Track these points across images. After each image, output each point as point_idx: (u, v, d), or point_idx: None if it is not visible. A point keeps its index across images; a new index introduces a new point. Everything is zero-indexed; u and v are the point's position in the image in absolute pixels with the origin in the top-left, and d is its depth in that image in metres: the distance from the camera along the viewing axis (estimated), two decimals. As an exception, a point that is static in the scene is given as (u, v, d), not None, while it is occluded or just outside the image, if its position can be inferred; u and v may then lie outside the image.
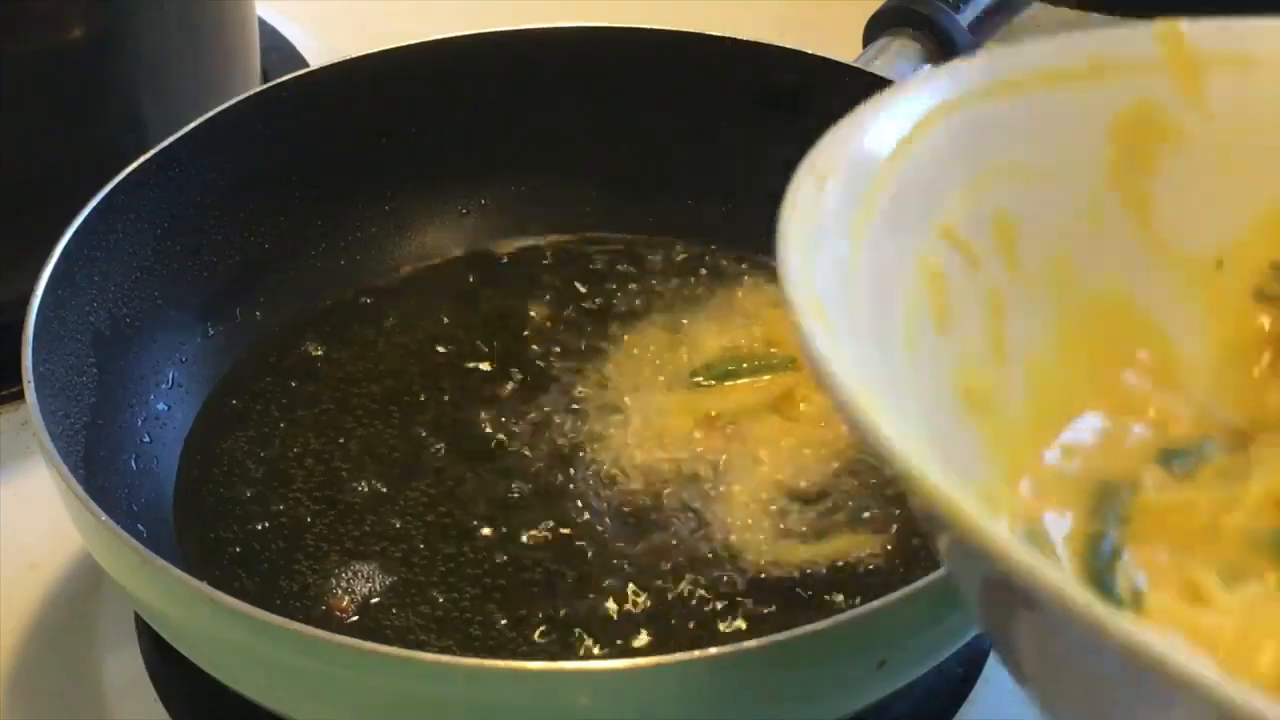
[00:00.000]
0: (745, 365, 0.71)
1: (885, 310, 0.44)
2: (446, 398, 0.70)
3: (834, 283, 0.42)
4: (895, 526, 0.65)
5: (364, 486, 0.67)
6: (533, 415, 0.69)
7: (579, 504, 0.66)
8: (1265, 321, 0.52)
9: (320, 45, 0.97)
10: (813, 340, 0.39)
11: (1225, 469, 0.49)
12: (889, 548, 0.64)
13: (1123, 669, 0.34)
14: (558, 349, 0.72)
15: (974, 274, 0.48)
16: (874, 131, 0.46)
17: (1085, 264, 0.50)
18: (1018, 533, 0.46)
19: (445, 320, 0.74)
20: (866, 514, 0.65)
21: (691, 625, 0.61)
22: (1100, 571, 0.45)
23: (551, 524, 0.65)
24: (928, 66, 0.78)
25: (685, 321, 0.74)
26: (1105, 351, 0.50)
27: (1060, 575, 0.34)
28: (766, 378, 0.71)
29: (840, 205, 0.44)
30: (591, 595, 0.62)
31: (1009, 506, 0.46)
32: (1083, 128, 0.50)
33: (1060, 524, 0.47)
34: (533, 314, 0.74)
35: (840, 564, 0.63)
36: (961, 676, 0.65)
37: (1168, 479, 0.48)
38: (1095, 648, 0.34)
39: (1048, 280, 0.50)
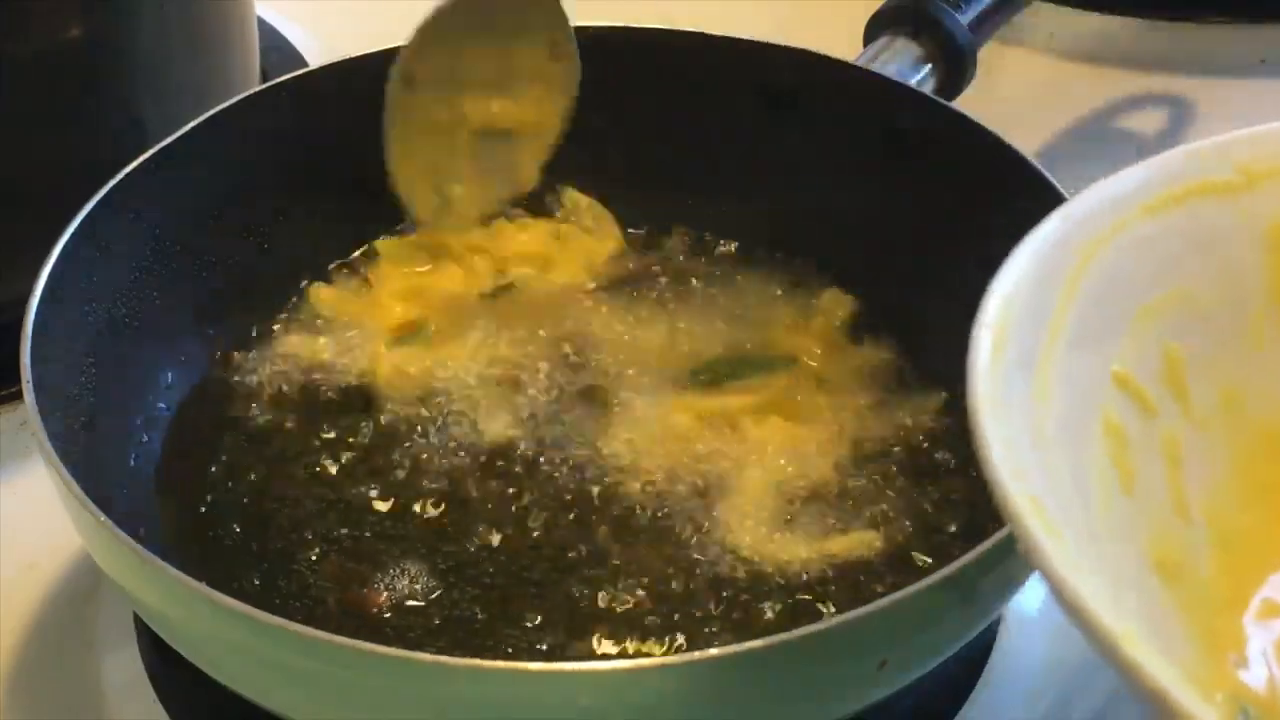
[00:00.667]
0: (746, 365, 0.71)
1: (1079, 477, 0.43)
2: (450, 395, 0.70)
3: (1033, 457, 0.41)
4: (895, 525, 0.65)
5: (365, 486, 0.67)
6: (533, 413, 0.69)
7: (579, 504, 0.66)
8: None
9: (320, 45, 0.97)
10: (1045, 553, 0.39)
11: None
12: (889, 546, 0.64)
13: None
14: (559, 347, 0.72)
15: (1151, 423, 0.46)
16: (1035, 281, 0.45)
17: (1256, 393, 0.48)
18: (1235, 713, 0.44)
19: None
20: (866, 513, 0.65)
21: (692, 625, 0.61)
22: None
23: (551, 523, 0.65)
24: (928, 65, 0.78)
25: (685, 320, 0.74)
26: None
27: None
28: (767, 377, 0.70)
29: (1019, 370, 0.43)
30: (590, 595, 0.62)
31: (1219, 683, 0.44)
32: (1238, 240, 0.48)
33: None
34: (532, 310, 0.74)
35: (840, 563, 0.63)
36: (962, 677, 0.65)
37: None
38: None
39: (1221, 417, 0.48)
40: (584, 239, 0.77)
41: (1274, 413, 0.48)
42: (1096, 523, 0.43)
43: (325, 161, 0.76)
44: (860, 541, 0.64)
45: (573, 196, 0.78)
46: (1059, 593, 0.38)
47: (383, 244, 0.76)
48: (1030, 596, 0.67)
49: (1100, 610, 0.37)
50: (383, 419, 0.69)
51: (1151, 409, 0.47)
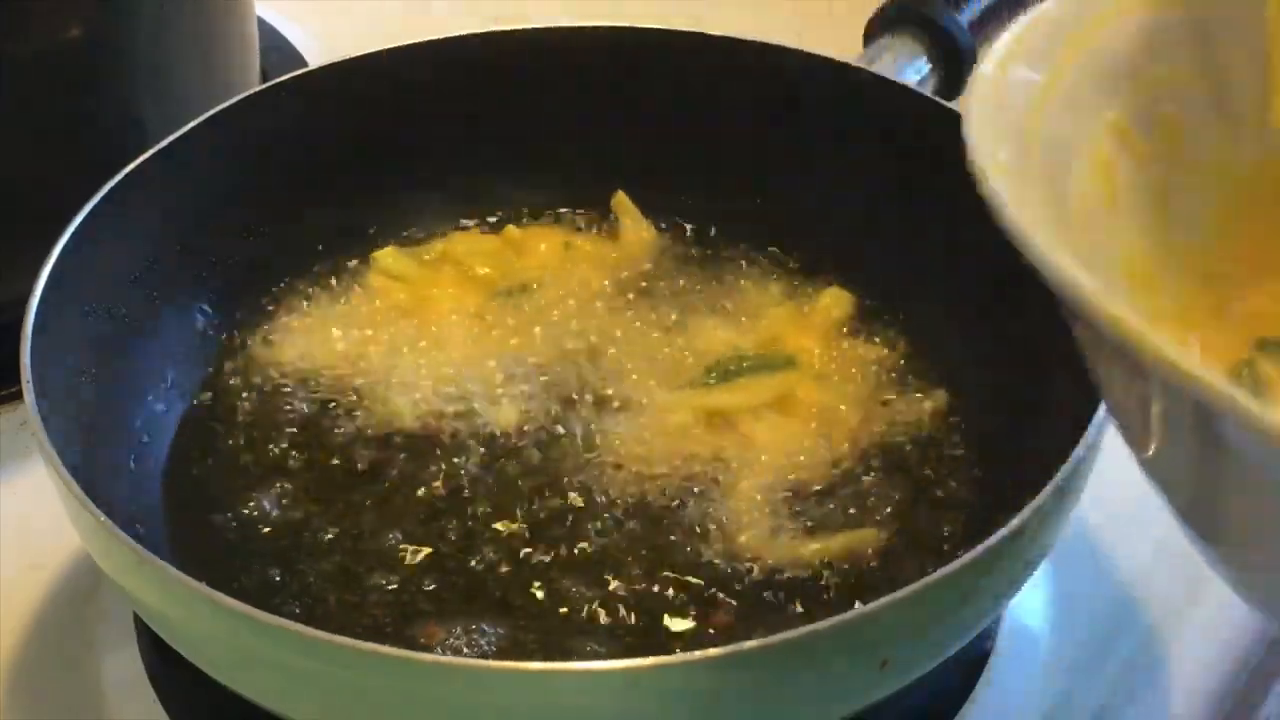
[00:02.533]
0: (749, 364, 0.71)
1: (1060, 184, 0.45)
2: (452, 394, 0.70)
3: (1014, 153, 0.44)
4: (895, 524, 0.65)
5: (365, 485, 0.67)
6: (536, 411, 0.69)
7: (582, 501, 0.66)
8: None
9: (320, 45, 0.97)
10: (999, 193, 0.41)
11: None
12: (889, 546, 0.64)
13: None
14: (560, 346, 0.72)
15: (1141, 167, 0.49)
16: (1053, 25, 0.48)
17: (1247, 164, 0.51)
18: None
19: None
20: (866, 512, 0.65)
21: (693, 624, 0.61)
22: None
23: (551, 519, 0.65)
24: (927, 66, 0.78)
25: (689, 320, 0.74)
26: (1264, 238, 0.51)
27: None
28: (770, 376, 0.70)
29: (1021, 88, 0.46)
30: (593, 592, 0.62)
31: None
32: (1246, 30, 0.51)
33: None
34: (534, 312, 0.74)
35: (840, 562, 0.63)
36: (962, 677, 0.65)
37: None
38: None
39: (1211, 172, 0.50)
40: (594, 246, 0.77)
41: (1267, 172, 0.51)
42: (1071, 217, 0.45)
43: (325, 161, 0.76)
44: (860, 540, 0.64)
45: (621, 200, 0.78)
46: (1008, 224, 0.41)
47: (382, 254, 0.76)
48: (1030, 596, 0.68)
49: (1055, 246, 0.40)
50: (383, 418, 0.69)
51: (1142, 159, 0.49)
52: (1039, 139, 0.45)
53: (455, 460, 0.68)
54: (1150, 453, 0.43)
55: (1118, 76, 0.49)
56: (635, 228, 0.77)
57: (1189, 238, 0.50)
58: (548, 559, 0.64)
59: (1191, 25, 0.50)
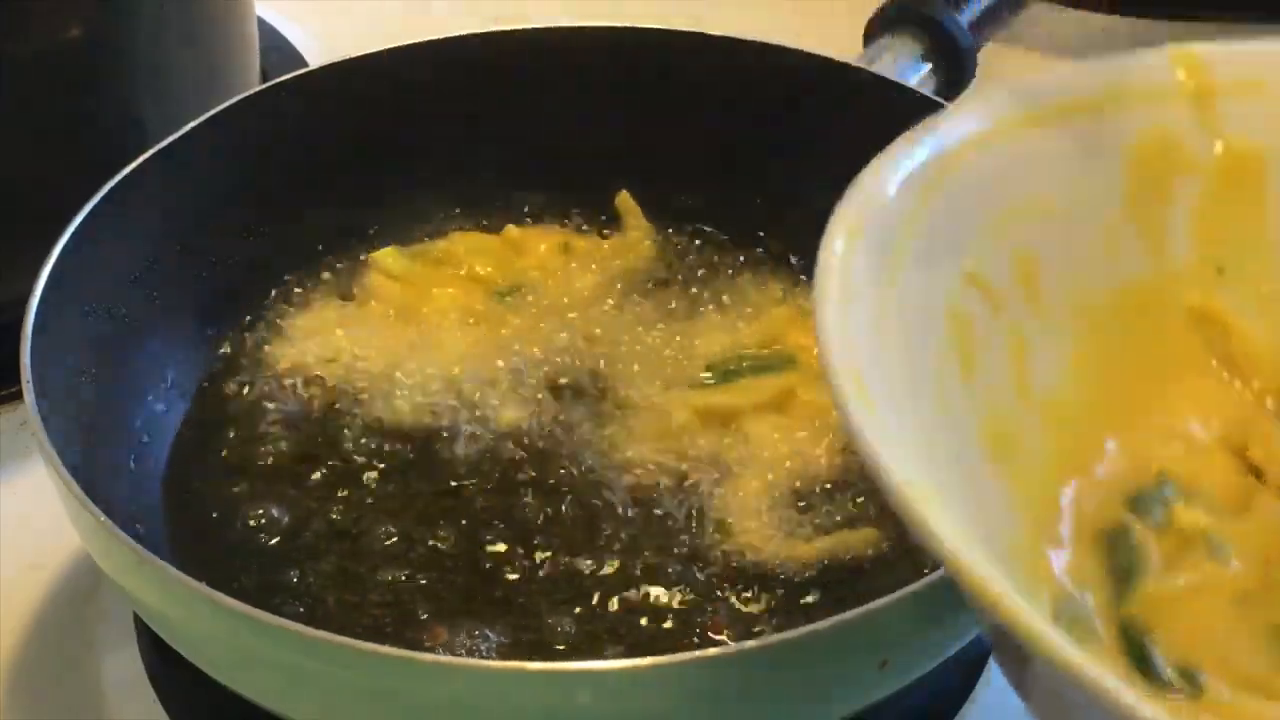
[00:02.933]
0: (748, 364, 0.71)
1: (917, 362, 0.45)
2: (452, 394, 0.70)
3: (868, 339, 0.43)
4: (895, 524, 0.65)
5: (366, 483, 0.67)
6: (536, 411, 0.69)
7: (581, 501, 0.66)
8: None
9: (320, 45, 0.97)
10: (854, 416, 0.41)
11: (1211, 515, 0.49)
12: (890, 545, 0.64)
13: None
14: (561, 346, 0.72)
15: (997, 316, 0.48)
16: (895, 181, 0.47)
17: (1102, 294, 0.51)
18: (1058, 609, 0.46)
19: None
20: (867, 512, 0.65)
21: (693, 622, 0.61)
22: (1141, 649, 0.46)
23: (551, 518, 0.65)
24: (927, 65, 0.78)
25: (689, 319, 0.74)
26: (1121, 383, 0.51)
27: (1116, 679, 0.35)
28: (770, 375, 0.70)
29: (869, 260, 0.45)
30: (590, 592, 0.62)
31: (1041, 573, 0.46)
32: (1100, 160, 0.51)
33: (1086, 598, 0.47)
34: (534, 312, 0.74)
35: (841, 561, 0.63)
36: (962, 677, 0.65)
37: (1148, 531, 0.49)
38: None
39: (1068, 313, 0.50)
40: (594, 246, 0.77)
41: (1119, 302, 0.51)
42: (926, 410, 0.45)
43: (325, 161, 0.76)
44: (860, 539, 0.64)
45: (625, 200, 0.78)
46: (869, 462, 0.40)
47: (382, 254, 0.76)
48: (1030, 596, 0.68)
49: (926, 500, 0.39)
50: (384, 416, 0.69)
51: (999, 304, 0.48)
52: (894, 317, 0.45)
53: (456, 460, 0.68)
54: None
55: (967, 220, 0.48)
56: (637, 227, 0.77)
57: (1050, 385, 0.49)
58: (548, 559, 0.64)
59: (1048, 154, 0.50)
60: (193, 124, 0.72)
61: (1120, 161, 0.51)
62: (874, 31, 0.80)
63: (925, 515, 0.38)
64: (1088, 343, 0.50)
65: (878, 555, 0.64)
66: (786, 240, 0.76)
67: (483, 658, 0.60)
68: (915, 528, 0.38)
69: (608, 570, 0.63)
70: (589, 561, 0.64)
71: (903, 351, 0.44)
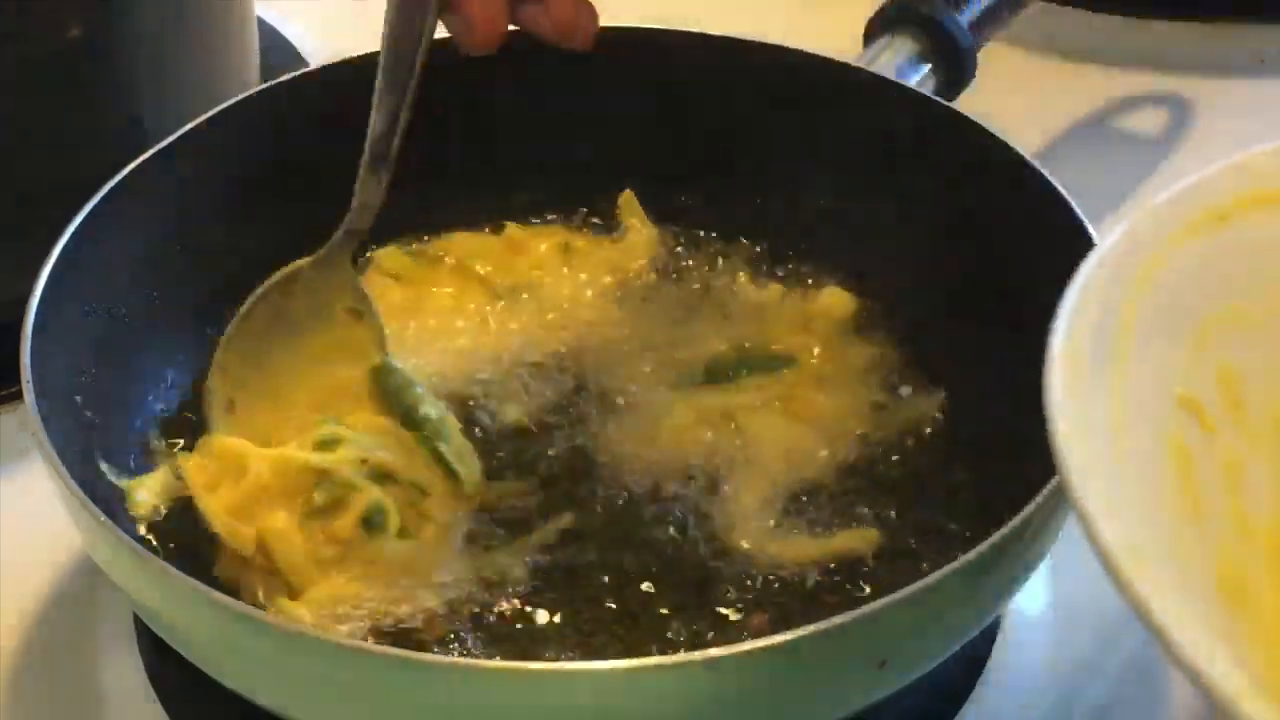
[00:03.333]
0: (749, 363, 0.71)
1: (1152, 491, 0.44)
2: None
3: (1112, 481, 0.42)
4: (894, 524, 0.65)
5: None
6: (536, 410, 0.69)
7: (580, 500, 0.66)
8: None
9: (320, 45, 0.97)
10: (1126, 572, 0.39)
11: None
12: (889, 545, 0.64)
13: None
14: (561, 346, 0.72)
15: (1211, 442, 0.47)
16: (1099, 304, 0.46)
17: None
18: None
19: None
20: (866, 511, 0.65)
21: (692, 621, 0.61)
22: None
23: (553, 519, 0.65)
24: (927, 65, 0.78)
25: (689, 319, 0.74)
26: None
27: None
28: (770, 375, 0.70)
29: (1094, 390, 0.44)
30: (593, 591, 0.62)
31: None
32: None
33: None
34: (534, 311, 0.74)
35: (840, 561, 0.63)
36: (961, 677, 0.65)
37: None
38: None
39: (1273, 433, 0.49)
40: (595, 246, 0.77)
41: None
42: (1166, 539, 0.44)
43: (325, 161, 0.76)
44: (859, 539, 0.64)
45: (629, 200, 0.78)
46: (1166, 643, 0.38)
47: (382, 254, 0.76)
48: (1030, 596, 0.68)
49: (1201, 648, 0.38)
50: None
51: (1211, 427, 0.47)
52: (1125, 450, 0.44)
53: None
54: None
55: (1179, 329, 0.47)
56: (639, 227, 0.77)
57: (1265, 515, 0.48)
58: (547, 558, 0.64)
59: (1235, 256, 0.49)
60: (193, 124, 0.72)
61: None
62: (874, 31, 0.80)
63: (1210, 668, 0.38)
64: None
65: (877, 555, 0.64)
66: (786, 240, 0.76)
67: (482, 658, 0.60)
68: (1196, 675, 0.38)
69: (606, 570, 0.63)
70: (587, 561, 0.64)
71: (1141, 481, 0.44)
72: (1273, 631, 0.46)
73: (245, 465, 0.65)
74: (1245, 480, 0.48)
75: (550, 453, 0.68)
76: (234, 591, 0.62)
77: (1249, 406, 0.48)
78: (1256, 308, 0.49)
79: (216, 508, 0.64)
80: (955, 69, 0.79)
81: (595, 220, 0.78)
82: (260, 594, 0.62)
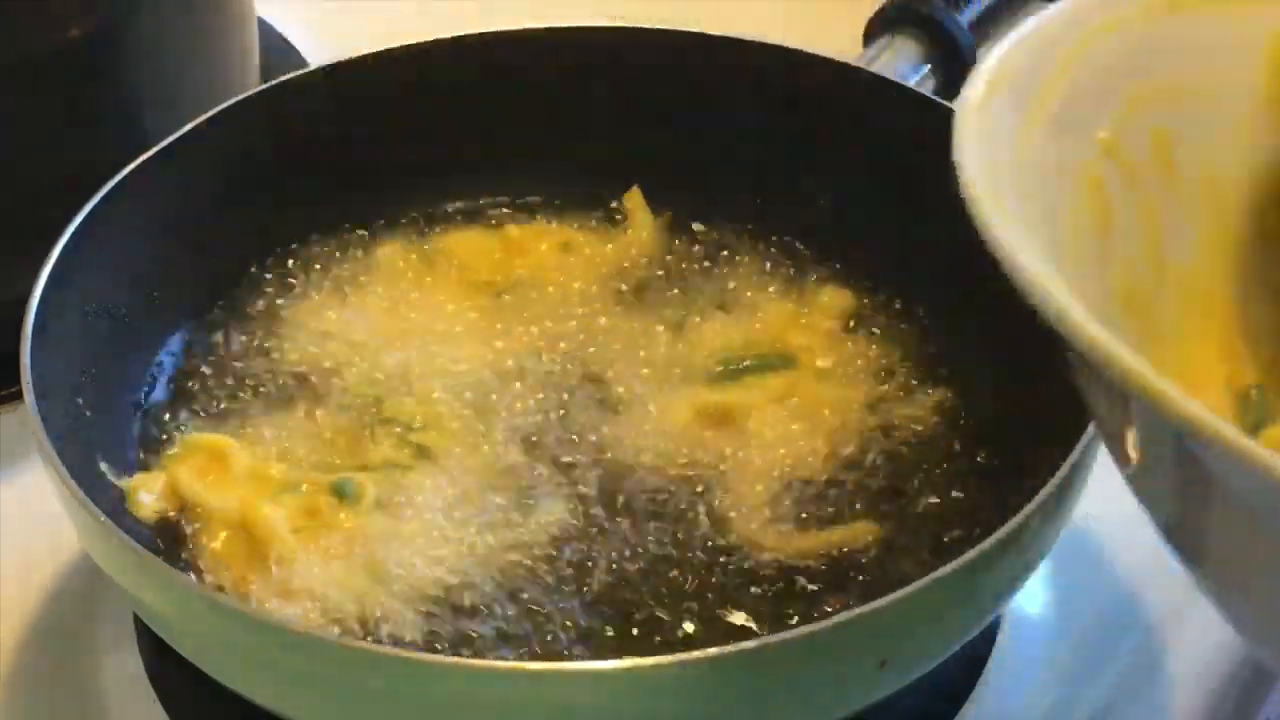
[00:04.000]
0: (750, 362, 0.71)
1: (1051, 215, 0.45)
2: (452, 392, 0.70)
3: (1006, 184, 0.44)
4: (894, 523, 0.65)
5: (368, 486, 0.67)
6: (536, 407, 0.69)
7: (581, 496, 0.66)
8: None
9: (320, 45, 0.97)
10: (996, 227, 0.41)
11: None
12: (888, 544, 0.64)
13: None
14: (562, 344, 0.72)
15: (1132, 189, 0.49)
16: (1039, 44, 0.48)
17: (1235, 180, 0.51)
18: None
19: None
20: (868, 509, 0.65)
21: (692, 619, 0.61)
22: None
23: (553, 515, 0.65)
24: (927, 65, 0.78)
25: (689, 318, 0.74)
26: (1248, 266, 0.51)
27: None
28: (770, 374, 0.71)
29: (1009, 113, 0.46)
30: (592, 588, 0.62)
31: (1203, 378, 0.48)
32: (1240, 49, 0.51)
33: None
34: (536, 309, 0.74)
35: (840, 561, 0.63)
36: (961, 677, 0.65)
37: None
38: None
39: (1200, 193, 0.50)
40: (595, 245, 0.77)
41: (1253, 188, 0.52)
42: (1063, 249, 0.45)
43: (325, 161, 0.76)
44: (859, 538, 0.64)
45: (636, 196, 0.78)
46: (1008, 264, 0.41)
47: (382, 254, 0.76)
48: (1030, 596, 0.68)
49: (1062, 291, 0.40)
50: (384, 414, 0.69)
51: (1134, 178, 0.49)
52: (1030, 167, 0.46)
53: (457, 455, 0.68)
54: (1132, 470, 0.43)
55: (1107, 93, 0.49)
56: (642, 226, 0.77)
57: (1183, 259, 0.50)
58: (545, 554, 0.64)
59: (1182, 39, 0.50)
60: (193, 124, 0.72)
61: (1260, 54, 0.51)
62: (874, 31, 0.80)
63: (1064, 305, 0.39)
64: (1218, 224, 0.51)
65: (877, 554, 0.64)
66: (787, 239, 0.76)
67: (481, 656, 0.60)
68: (1053, 314, 0.39)
69: (606, 568, 0.63)
70: (587, 556, 0.64)
71: (1040, 200, 0.45)
72: (1168, 347, 0.49)
73: (227, 458, 0.66)
74: (1164, 228, 0.50)
75: (549, 451, 0.68)
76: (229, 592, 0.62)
77: (1180, 167, 0.50)
78: (1197, 87, 0.51)
79: (206, 493, 0.65)
80: (955, 69, 0.79)
81: (595, 220, 0.78)
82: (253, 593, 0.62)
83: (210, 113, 0.72)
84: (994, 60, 0.47)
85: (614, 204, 0.78)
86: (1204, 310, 0.50)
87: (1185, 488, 0.42)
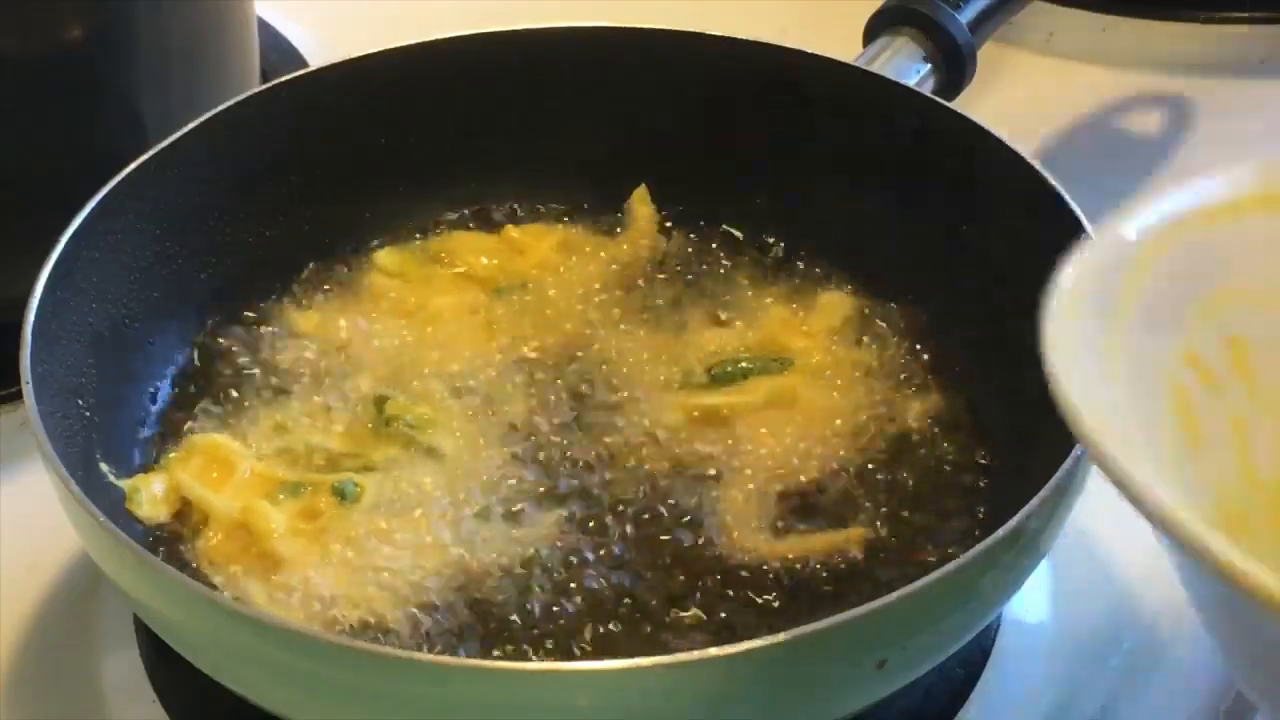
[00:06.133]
0: (748, 364, 0.71)
1: (1145, 421, 0.45)
2: (452, 392, 0.70)
3: (1105, 404, 0.43)
4: (894, 524, 0.65)
5: (367, 483, 0.67)
6: (534, 409, 0.69)
7: (579, 497, 0.66)
8: None
9: (320, 45, 0.97)
10: (1114, 460, 0.40)
11: None
12: (888, 545, 0.64)
13: None
14: (561, 345, 0.72)
15: (1218, 399, 0.48)
16: (1103, 266, 0.47)
17: None
18: None
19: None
20: (867, 511, 0.65)
21: (691, 622, 0.61)
22: None
23: (552, 516, 0.65)
24: (927, 65, 0.78)
25: (688, 320, 0.74)
26: None
27: None
28: (769, 376, 0.70)
29: (1093, 326, 0.45)
30: (589, 588, 0.62)
31: None
32: None
33: None
34: (533, 311, 0.74)
35: (840, 560, 0.63)
36: (961, 677, 0.65)
37: None
38: None
39: None
40: (595, 246, 0.77)
41: None
42: (1164, 472, 0.44)
43: (325, 161, 0.76)
44: (859, 539, 0.64)
45: (641, 195, 0.78)
46: (1135, 497, 0.40)
47: (382, 254, 0.76)
48: (1030, 596, 0.68)
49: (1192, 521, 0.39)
50: (384, 414, 0.69)
51: (1218, 387, 0.48)
52: (1119, 379, 0.45)
53: (457, 455, 0.68)
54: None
55: (1189, 292, 0.48)
56: (643, 226, 0.77)
57: (1274, 470, 0.49)
58: (543, 558, 0.64)
59: (1247, 244, 0.50)
60: (193, 124, 0.72)
61: None
62: (874, 31, 0.80)
63: (1204, 536, 0.38)
64: None
65: (876, 555, 0.64)
66: (786, 240, 0.76)
67: (469, 651, 0.60)
68: (1194, 548, 0.39)
69: (605, 569, 0.63)
70: (584, 558, 0.64)
71: (1131, 407, 0.44)
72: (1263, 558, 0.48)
73: (227, 458, 0.66)
74: (1252, 436, 0.49)
75: (548, 451, 0.68)
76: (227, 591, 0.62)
77: (1259, 374, 0.49)
78: (1268, 290, 0.50)
79: (208, 493, 0.65)
80: (955, 69, 0.79)
81: (595, 220, 0.78)
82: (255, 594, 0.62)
83: (210, 113, 0.72)
84: (1084, 253, 0.46)
85: (614, 204, 0.78)
86: None
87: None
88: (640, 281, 0.76)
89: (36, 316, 0.63)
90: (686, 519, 0.65)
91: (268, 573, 0.63)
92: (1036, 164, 0.69)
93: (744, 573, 0.63)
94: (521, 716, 0.54)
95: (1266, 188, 0.50)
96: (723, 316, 0.74)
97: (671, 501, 0.66)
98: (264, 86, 0.76)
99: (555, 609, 0.62)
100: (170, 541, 0.64)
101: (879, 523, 0.65)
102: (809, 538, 0.64)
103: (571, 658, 0.60)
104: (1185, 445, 0.47)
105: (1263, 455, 0.49)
